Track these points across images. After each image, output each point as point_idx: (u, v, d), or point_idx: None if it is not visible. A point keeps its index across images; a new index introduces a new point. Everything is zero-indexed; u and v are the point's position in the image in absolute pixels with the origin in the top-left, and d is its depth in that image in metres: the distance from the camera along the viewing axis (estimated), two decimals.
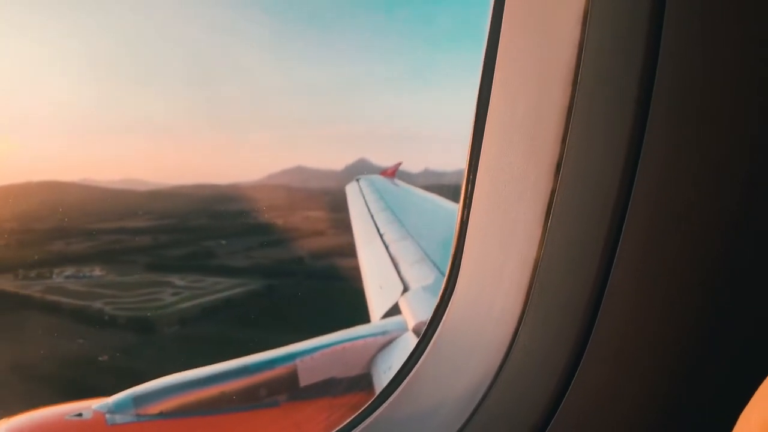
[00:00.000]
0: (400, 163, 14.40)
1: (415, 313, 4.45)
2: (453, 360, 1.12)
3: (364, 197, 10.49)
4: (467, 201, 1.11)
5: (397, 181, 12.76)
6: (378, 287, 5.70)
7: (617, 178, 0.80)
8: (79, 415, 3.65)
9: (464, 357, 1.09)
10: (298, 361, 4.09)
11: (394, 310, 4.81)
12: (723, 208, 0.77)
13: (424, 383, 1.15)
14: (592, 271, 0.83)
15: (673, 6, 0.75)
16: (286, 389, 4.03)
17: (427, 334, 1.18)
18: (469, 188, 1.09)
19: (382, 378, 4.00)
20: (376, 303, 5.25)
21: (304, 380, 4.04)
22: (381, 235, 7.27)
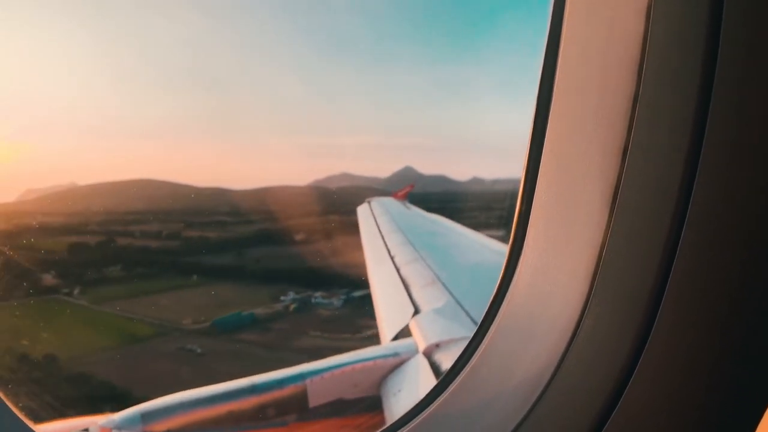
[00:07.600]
0: (412, 186, 14.43)
1: (426, 335, 4.41)
2: (518, 340, 1.12)
3: (375, 219, 10.51)
4: (529, 182, 1.10)
5: (408, 203, 12.78)
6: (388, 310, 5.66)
7: (681, 165, 0.81)
8: (86, 430, 3.63)
9: (528, 339, 1.10)
10: (307, 381, 4.05)
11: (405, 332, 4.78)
12: None
13: (489, 366, 1.16)
14: (656, 257, 0.84)
15: None
16: (295, 409, 3.99)
17: (489, 315, 1.18)
18: (531, 169, 1.09)
19: (392, 400, 3.94)
20: (387, 324, 5.21)
21: (314, 401, 4.00)
22: (392, 258, 7.26)
